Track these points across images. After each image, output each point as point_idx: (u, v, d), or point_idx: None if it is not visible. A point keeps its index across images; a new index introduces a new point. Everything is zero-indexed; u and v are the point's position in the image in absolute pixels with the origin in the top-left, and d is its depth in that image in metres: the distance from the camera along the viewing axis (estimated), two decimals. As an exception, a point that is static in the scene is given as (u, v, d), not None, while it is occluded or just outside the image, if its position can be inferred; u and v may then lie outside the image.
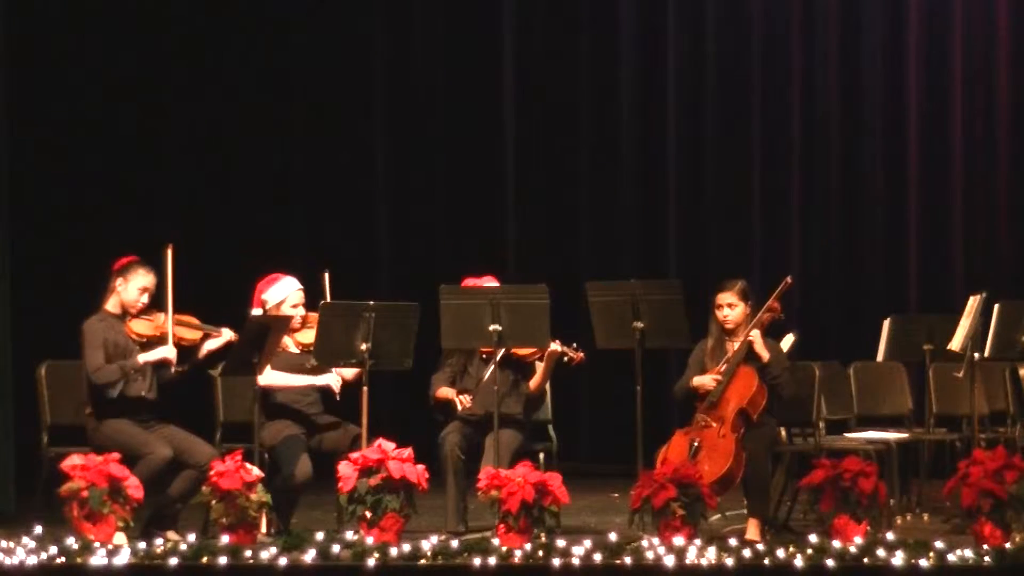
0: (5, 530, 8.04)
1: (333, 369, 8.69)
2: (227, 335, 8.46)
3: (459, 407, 8.85)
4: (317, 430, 8.66)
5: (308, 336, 8.68)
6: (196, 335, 8.47)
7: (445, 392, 8.93)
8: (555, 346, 8.74)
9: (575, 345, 8.78)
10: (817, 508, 8.10)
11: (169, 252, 8.34)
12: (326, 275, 8.77)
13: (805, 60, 12.45)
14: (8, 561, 7.37)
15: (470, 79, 12.47)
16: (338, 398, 8.70)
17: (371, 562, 7.36)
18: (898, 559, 7.28)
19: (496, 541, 7.70)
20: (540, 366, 8.94)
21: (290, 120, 12.26)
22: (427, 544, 7.55)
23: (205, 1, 12.08)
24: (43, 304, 10.81)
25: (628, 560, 7.39)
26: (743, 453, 8.42)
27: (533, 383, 8.96)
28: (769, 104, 12.44)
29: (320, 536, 7.78)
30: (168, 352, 8.34)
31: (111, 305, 8.44)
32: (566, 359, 8.80)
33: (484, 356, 8.89)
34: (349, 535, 7.81)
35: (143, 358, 8.31)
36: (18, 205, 10.51)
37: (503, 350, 8.65)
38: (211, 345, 8.49)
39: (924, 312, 10.82)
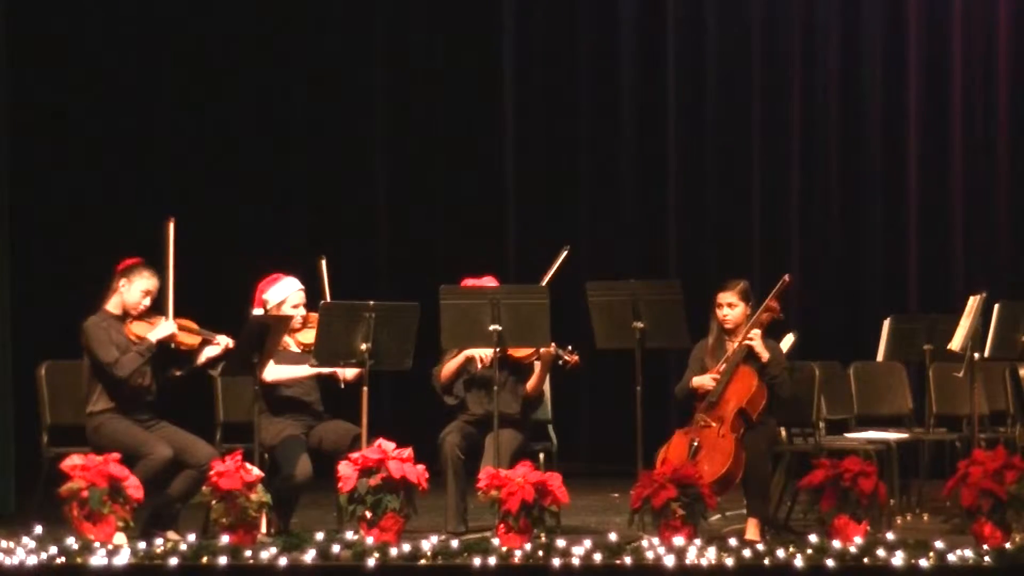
0: (5, 530, 8.04)
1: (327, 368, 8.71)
2: (225, 342, 8.46)
3: (479, 364, 8.80)
4: (319, 421, 8.66)
5: (309, 336, 8.68)
6: (195, 340, 8.47)
7: (455, 362, 8.85)
8: (551, 347, 8.74)
9: (570, 348, 8.77)
10: (817, 508, 8.10)
11: (171, 225, 8.34)
12: (323, 261, 8.75)
13: (805, 60, 12.45)
14: (8, 561, 7.37)
15: (470, 78, 12.47)
16: (343, 385, 8.68)
17: (371, 562, 7.37)
18: (898, 559, 7.28)
19: (496, 541, 7.70)
20: (538, 367, 8.93)
21: (290, 120, 12.27)
22: (427, 544, 7.55)
23: (205, 1, 12.08)
24: (43, 304, 10.81)
25: (628, 560, 7.39)
26: (743, 453, 8.42)
27: (530, 385, 8.96)
28: (769, 104, 12.44)
29: (320, 536, 7.79)
30: (171, 328, 8.33)
31: (112, 305, 8.44)
32: (561, 362, 8.79)
33: (482, 357, 8.88)
34: (349, 535, 7.81)
35: (152, 335, 8.31)
36: (18, 205, 10.52)
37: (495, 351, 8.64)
38: (210, 353, 8.49)
39: (924, 312, 10.81)
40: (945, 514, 9.04)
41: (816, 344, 10.69)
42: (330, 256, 11.64)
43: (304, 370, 8.67)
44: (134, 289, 8.39)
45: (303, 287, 8.77)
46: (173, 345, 8.39)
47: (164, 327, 8.34)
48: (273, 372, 8.58)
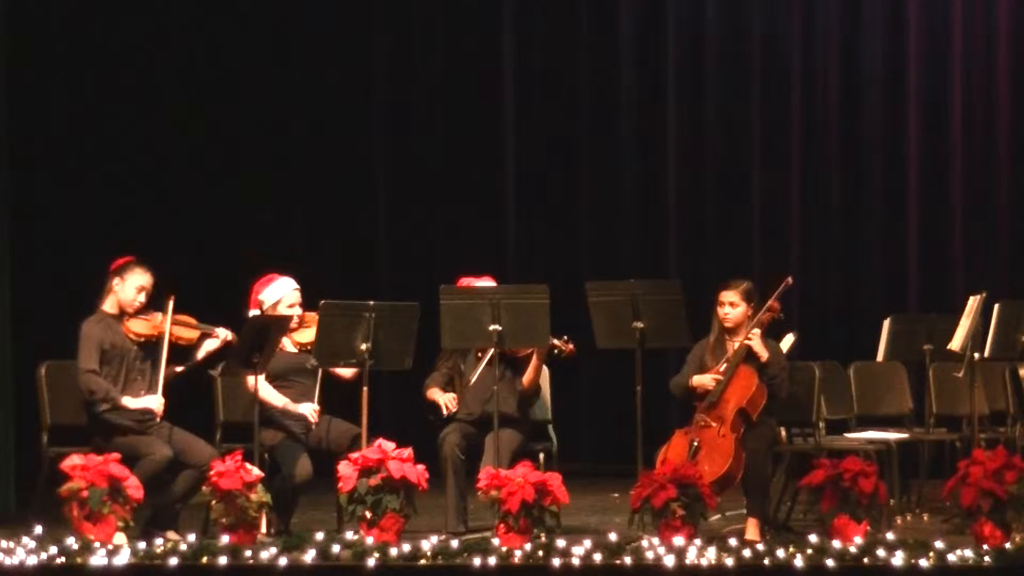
0: (5, 530, 8.04)
1: (327, 368, 8.71)
2: (224, 335, 8.47)
3: (444, 411, 8.84)
4: (312, 438, 8.66)
5: (305, 336, 8.69)
6: (194, 334, 8.48)
7: (433, 395, 8.94)
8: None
9: (566, 338, 8.78)
10: (817, 508, 8.10)
11: (171, 303, 8.35)
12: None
13: (805, 60, 12.44)
14: (8, 561, 7.37)
15: (470, 79, 12.47)
16: (313, 427, 8.65)
17: (371, 562, 7.37)
18: (898, 559, 7.28)
19: (496, 541, 7.70)
20: (533, 359, 8.92)
21: (290, 120, 12.26)
22: (427, 544, 7.55)
23: (205, 1, 12.07)
24: (43, 304, 10.81)
25: (628, 560, 7.39)
26: (743, 453, 8.42)
27: (526, 379, 8.94)
28: (769, 104, 12.44)
29: (320, 536, 7.79)
30: (153, 403, 8.31)
31: (108, 305, 8.45)
32: (556, 351, 8.80)
33: (479, 355, 8.90)
34: (349, 535, 7.81)
35: (127, 402, 8.29)
36: (18, 205, 10.52)
37: (492, 350, 8.63)
38: (209, 346, 8.51)
39: (924, 312, 10.81)
40: (945, 514, 9.04)
41: (816, 344, 10.69)
42: (330, 256, 11.71)
43: (278, 400, 8.64)
44: (128, 287, 8.40)
45: (298, 287, 8.77)
46: (172, 341, 8.39)
47: (148, 401, 8.31)
48: (259, 388, 8.54)
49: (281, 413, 8.65)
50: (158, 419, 8.33)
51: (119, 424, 8.27)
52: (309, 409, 8.63)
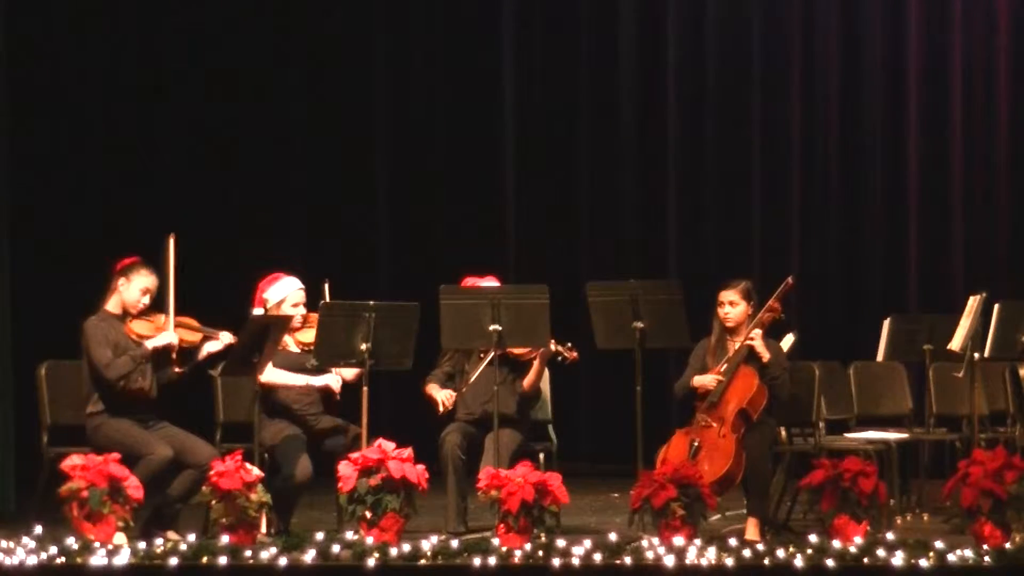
0: (5, 530, 8.04)
1: (333, 369, 8.70)
2: (226, 338, 8.46)
3: (440, 409, 8.85)
4: (316, 433, 8.66)
5: (309, 336, 8.68)
6: (196, 336, 8.47)
7: (431, 391, 8.95)
8: (550, 345, 8.74)
9: (570, 344, 8.78)
10: (817, 508, 8.10)
11: (171, 241, 8.35)
12: (327, 285, 8.75)
13: (805, 60, 12.45)
14: (8, 561, 7.37)
15: (470, 80, 12.47)
16: (338, 397, 8.70)
17: (371, 562, 7.37)
18: (898, 559, 7.28)
19: (496, 541, 7.70)
20: (535, 363, 8.93)
21: (290, 120, 12.27)
22: (427, 544, 7.55)
23: (205, 1, 12.08)
24: (43, 304, 10.81)
25: (628, 560, 7.39)
26: (743, 453, 8.42)
27: (527, 381, 8.95)
28: (769, 104, 12.44)
29: (320, 536, 7.79)
30: (171, 338, 8.33)
31: (112, 305, 8.44)
32: (560, 358, 8.80)
33: (482, 355, 8.90)
34: (349, 535, 7.81)
35: (150, 343, 8.31)
36: (18, 205, 10.52)
37: (494, 350, 8.64)
38: (211, 348, 8.50)
39: (924, 312, 10.82)
40: (945, 514, 9.04)
41: (816, 344, 10.69)
42: (330, 256, 11.71)
43: (299, 379, 8.66)
44: (132, 288, 8.39)
45: (303, 286, 8.77)
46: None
47: (164, 336, 8.34)
48: (269, 375, 8.57)
49: (297, 398, 8.65)
50: (174, 353, 8.33)
51: (131, 398, 8.24)
52: (334, 379, 8.65)
